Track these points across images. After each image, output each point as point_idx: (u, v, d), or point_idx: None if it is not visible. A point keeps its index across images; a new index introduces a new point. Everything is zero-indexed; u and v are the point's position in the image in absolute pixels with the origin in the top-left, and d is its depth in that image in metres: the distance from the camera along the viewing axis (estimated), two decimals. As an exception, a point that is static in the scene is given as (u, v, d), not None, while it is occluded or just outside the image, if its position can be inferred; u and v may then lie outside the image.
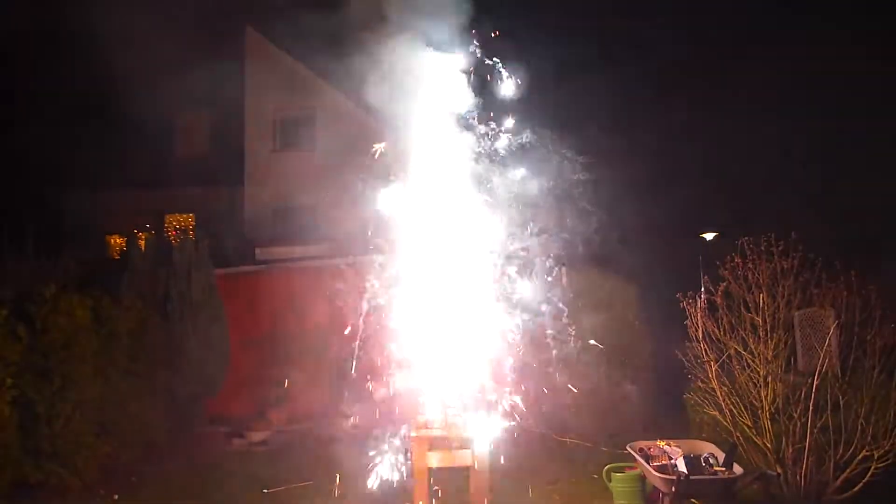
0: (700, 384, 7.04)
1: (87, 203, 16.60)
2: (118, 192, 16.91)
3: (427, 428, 6.53)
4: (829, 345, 6.45)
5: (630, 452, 6.60)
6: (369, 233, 6.99)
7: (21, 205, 14.93)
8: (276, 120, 17.27)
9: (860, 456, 6.12)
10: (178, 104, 16.56)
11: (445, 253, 6.80)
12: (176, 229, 17.22)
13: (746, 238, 6.68)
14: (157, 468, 8.77)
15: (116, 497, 7.74)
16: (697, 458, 6.20)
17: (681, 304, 6.99)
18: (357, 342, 7.10)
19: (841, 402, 6.21)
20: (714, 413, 6.91)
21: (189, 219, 17.58)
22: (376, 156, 6.82)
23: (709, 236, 15.62)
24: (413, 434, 6.45)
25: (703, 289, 7.22)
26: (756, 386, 6.54)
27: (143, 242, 12.73)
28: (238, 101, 17.10)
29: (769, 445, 6.46)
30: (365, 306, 7.03)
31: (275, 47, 17.03)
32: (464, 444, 6.31)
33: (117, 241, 16.87)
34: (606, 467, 7.19)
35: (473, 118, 6.86)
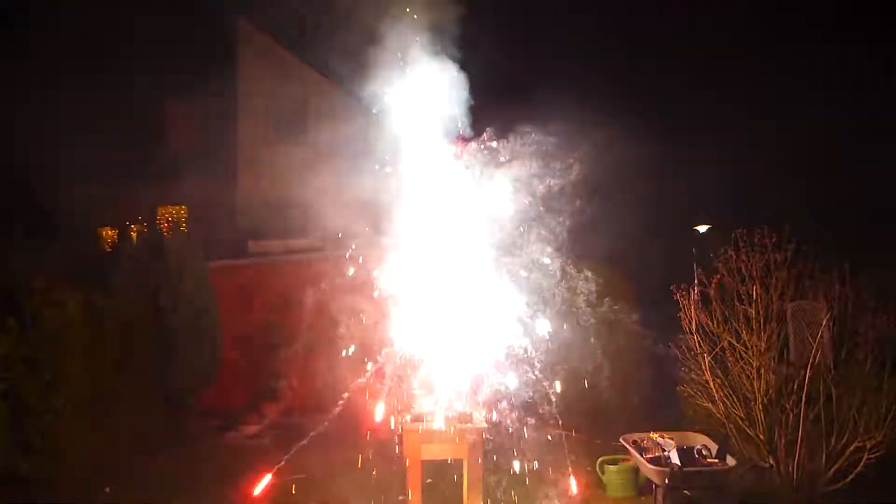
0: (693, 376, 7.05)
1: (78, 195, 16.46)
2: (110, 184, 16.77)
3: (421, 420, 6.53)
4: (821, 336, 6.47)
5: (623, 444, 6.62)
6: (364, 226, 6.98)
7: (12, 197, 14.80)
8: (269, 112, 17.16)
9: (852, 447, 6.15)
10: (170, 95, 16.43)
11: (443, 244, 6.79)
12: (168, 222, 17.11)
13: (740, 230, 6.69)
14: (149, 461, 8.72)
15: (108, 490, 7.71)
16: (690, 449, 6.22)
17: (674, 296, 7.00)
18: (351, 335, 7.09)
19: (833, 394, 6.23)
20: (707, 405, 6.93)
21: (181, 211, 17.46)
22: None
23: (702, 229, 15.64)
24: (407, 426, 6.45)
25: (696, 281, 7.23)
26: (749, 378, 6.55)
27: (135, 235, 12.64)
28: (231, 93, 16.98)
29: (762, 437, 6.48)
30: (358, 300, 7.03)
31: (268, 38, 16.91)
32: (457, 437, 6.31)
33: (109, 233, 16.75)
34: (600, 459, 7.21)
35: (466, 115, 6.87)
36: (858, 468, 6.14)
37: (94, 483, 7.85)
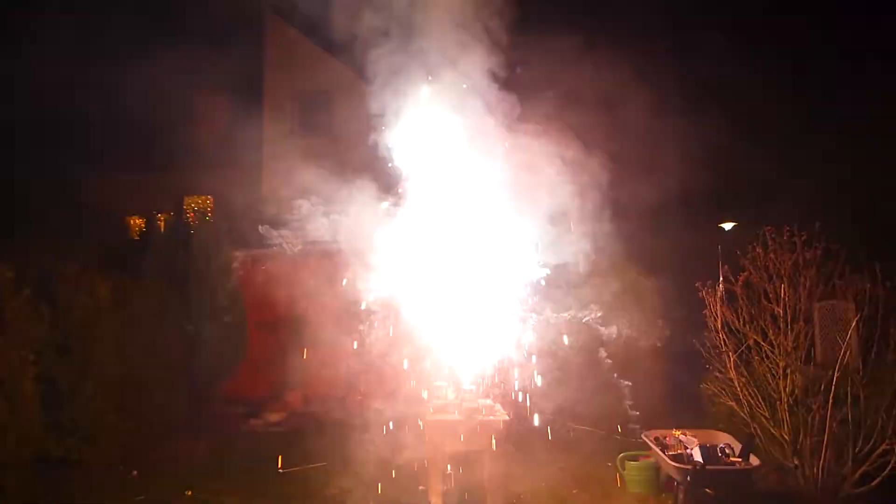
0: (717, 374, 6.98)
1: (107, 184, 16.75)
2: (138, 173, 17.05)
3: (443, 412, 6.56)
4: (850, 337, 6.36)
5: (645, 441, 6.59)
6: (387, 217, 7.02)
7: (43, 185, 15.11)
8: (295, 103, 17.29)
9: (879, 450, 6.04)
10: (197, 86, 16.61)
11: (465, 237, 6.80)
12: (195, 211, 17.35)
13: (768, 228, 6.59)
14: (175, 446, 8.90)
15: (135, 473, 7.88)
16: (714, 448, 6.18)
17: (699, 294, 6.93)
18: (375, 326, 7.14)
19: (861, 396, 6.13)
20: (731, 403, 6.86)
21: (208, 201, 17.69)
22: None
23: (728, 226, 15.41)
24: (429, 418, 6.48)
25: (721, 278, 7.15)
26: (775, 377, 6.47)
27: (162, 224, 12.84)
28: (257, 84, 17.14)
29: (787, 437, 6.40)
30: (383, 290, 7.07)
31: (294, 30, 17.02)
32: (479, 429, 6.33)
33: (137, 222, 17.04)
34: (621, 455, 7.18)
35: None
36: (885, 472, 6.03)
37: (121, 466, 8.05)
